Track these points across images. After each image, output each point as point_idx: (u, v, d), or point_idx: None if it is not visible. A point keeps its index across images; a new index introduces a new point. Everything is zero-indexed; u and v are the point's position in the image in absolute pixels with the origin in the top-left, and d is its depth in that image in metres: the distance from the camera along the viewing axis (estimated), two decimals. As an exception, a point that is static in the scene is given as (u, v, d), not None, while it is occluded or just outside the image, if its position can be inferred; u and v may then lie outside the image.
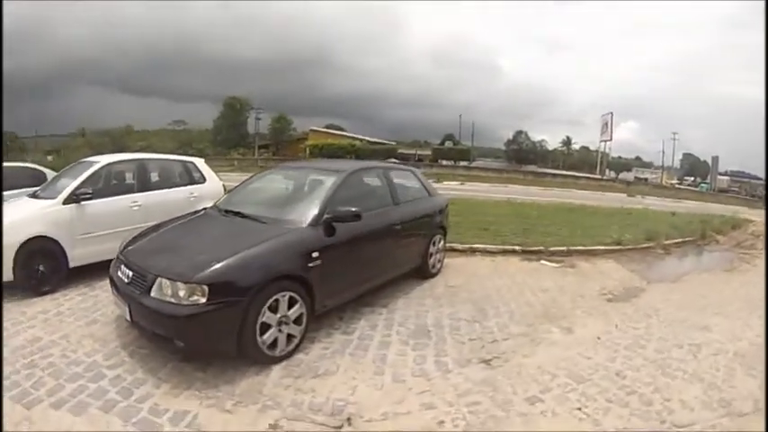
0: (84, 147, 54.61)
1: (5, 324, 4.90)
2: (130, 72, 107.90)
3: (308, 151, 47.97)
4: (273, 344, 3.89)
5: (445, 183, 27.27)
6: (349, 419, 3.18)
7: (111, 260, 4.71)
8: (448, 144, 60.87)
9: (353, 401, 3.38)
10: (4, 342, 4.42)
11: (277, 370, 3.84)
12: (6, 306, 5.27)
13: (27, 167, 9.92)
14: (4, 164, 9.60)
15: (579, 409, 3.41)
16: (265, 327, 3.80)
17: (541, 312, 5.32)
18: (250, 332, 3.70)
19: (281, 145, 58.82)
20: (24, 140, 68.32)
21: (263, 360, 3.85)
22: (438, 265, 6.59)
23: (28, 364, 4.07)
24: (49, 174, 9.34)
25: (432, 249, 6.34)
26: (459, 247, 8.03)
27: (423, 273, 6.24)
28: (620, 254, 8.58)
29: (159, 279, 3.68)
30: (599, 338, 4.62)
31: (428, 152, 56.51)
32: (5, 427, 2.70)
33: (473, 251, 8.04)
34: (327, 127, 62.20)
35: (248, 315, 3.67)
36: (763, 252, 9.37)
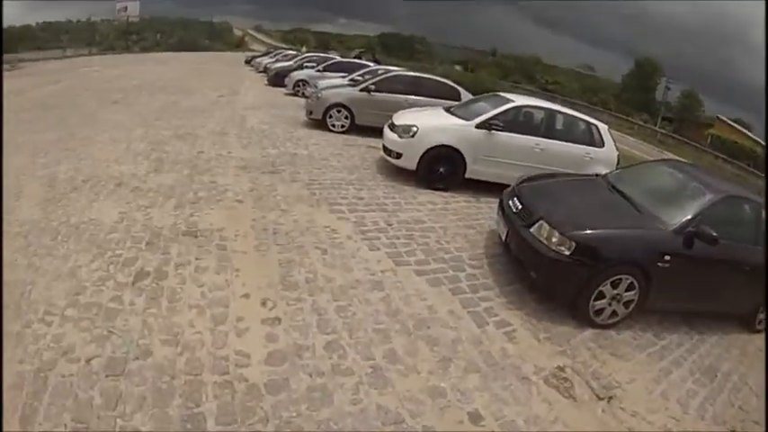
0: (492, 66, 67.26)
1: (397, 199, 8.01)
2: (546, 4, 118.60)
3: (708, 140, 46.67)
4: (599, 312, 5.38)
5: None
6: (610, 399, 4.35)
7: (500, 183, 7.26)
8: None
9: (624, 389, 4.54)
10: (393, 215, 7.29)
11: (589, 332, 5.31)
12: (403, 188, 8.60)
13: (447, 84, 14.15)
14: (433, 76, 14.76)
15: None
16: (601, 295, 5.31)
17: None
18: (588, 293, 5.26)
19: (684, 123, 58.32)
20: (433, 45, 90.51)
21: (585, 320, 5.39)
22: (762, 326, 6.79)
23: (407, 236, 6.67)
24: (463, 93, 13.42)
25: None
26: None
27: (746, 323, 6.66)
28: None
29: (542, 221, 5.55)
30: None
31: None
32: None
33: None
34: (735, 120, 58.17)
35: (593, 279, 5.23)
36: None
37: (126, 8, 77.61)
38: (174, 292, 4.67)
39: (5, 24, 69.98)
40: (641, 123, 54.44)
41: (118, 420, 3.22)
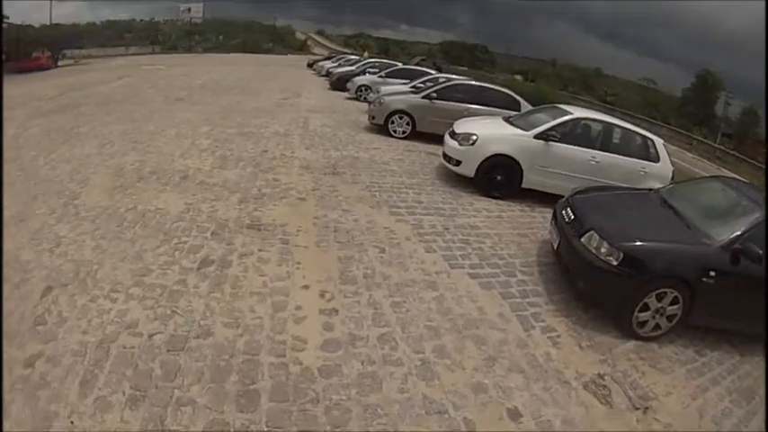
0: (553, 76, 68.66)
1: (455, 205, 8.27)
2: (606, 15, 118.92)
3: (768, 158, 45.25)
4: (642, 324, 5.45)
5: None
6: (646, 409, 4.45)
7: (555, 194, 7.45)
8: None
9: (661, 401, 4.62)
10: (450, 220, 7.57)
11: (631, 344, 5.38)
12: (460, 194, 8.89)
13: (507, 93, 14.34)
14: (494, 86, 15.20)
15: None
16: (645, 307, 5.39)
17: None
18: (632, 305, 5.36)
19: (744, 140, 56.60)
20: (495, 54, 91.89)
21: (628, 331, 5.48)
22: None
23: (463, 240, 6.92)
24: (523, 104, 13.58)
25: None
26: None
27: None
28: None
29: (592, 232, 5.70)
30: None
31: None
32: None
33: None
34: (793, 137, 56.09)
35: (639, 291, 5.34)
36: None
37: (189, 9, 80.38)
38: (236, 280, 5.05)
39: (70, 21, 74.29)
40: (700, 139, 52.53)
41: (175, 391, 3.55)
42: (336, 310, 4.71)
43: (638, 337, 5.43)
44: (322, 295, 4.94)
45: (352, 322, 4.58)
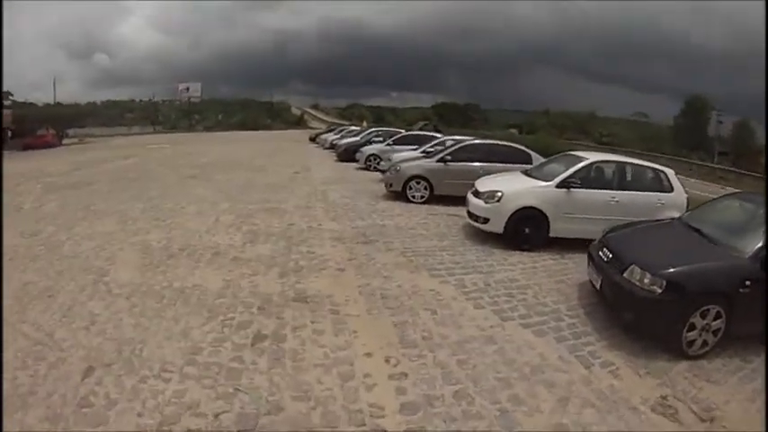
0: (548, 126, 73.27)
1: (490, 261, 8.43)
2: (589, 57, 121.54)
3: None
4: (691, 343, 5.68)
5: None
6: (712, 420, 4.62)
7: (583, 238, 7.78)
8: None
9: (723, 410, 4.79)
10: (489, 276, 7.69)
11: (683, 364, 5.58)
12: (492, 250, 9.03)
13: (518, 148, 14.73)
14: (504, 142, 15.67)
15: None
16: (692, 327, 5.64)
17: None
18: (680, 326, 5.61)
19: (742, 156, 57.25)
20: (487, 111, 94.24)
21: (678, 352, 5.70)
22: None
23: (507, 294, 7.06)
24: (534, 156, 13.91)
25: None
26: None
27: None
28: None
29: (633, 266, 5.97)
30: None
31: None
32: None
33: None
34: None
35: (685, 312, 5.58)
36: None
37: (188, 88, 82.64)
38: (295, 353, 5.08)
39: (71, 101, 76.77)
40: (699, 162, 52.16)
41: (261, 469, 3.50)
42: (405, 374, 4.77)
43: (688, 357, 5.65)
44: (387, 361, 5.00)
45: (424, 383, 4.63)
